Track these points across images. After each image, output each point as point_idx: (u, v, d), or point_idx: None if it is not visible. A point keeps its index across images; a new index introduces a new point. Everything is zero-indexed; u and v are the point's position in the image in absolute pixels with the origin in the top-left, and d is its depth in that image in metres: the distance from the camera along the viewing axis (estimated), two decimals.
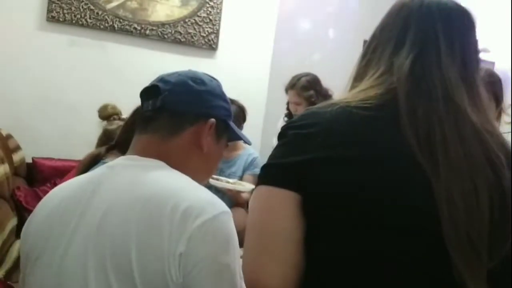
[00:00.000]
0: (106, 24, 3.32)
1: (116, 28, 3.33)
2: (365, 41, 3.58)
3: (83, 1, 3.25)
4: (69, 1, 3.23)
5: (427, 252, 0.63)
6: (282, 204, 0.69)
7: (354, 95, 0.76)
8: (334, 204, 0.67)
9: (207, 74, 1.00)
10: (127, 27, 3.35)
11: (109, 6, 3.32)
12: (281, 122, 2.92)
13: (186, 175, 0.87)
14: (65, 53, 3.27)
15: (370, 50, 0.83)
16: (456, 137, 0.67)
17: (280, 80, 2.87)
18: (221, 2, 3.49)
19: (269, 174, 0.73)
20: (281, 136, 0.76)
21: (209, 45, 3.49)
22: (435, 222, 0.63)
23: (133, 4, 3.37)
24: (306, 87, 2.70)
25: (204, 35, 3.47)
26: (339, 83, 3.87)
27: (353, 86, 0.83)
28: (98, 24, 3.30)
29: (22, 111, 3.19)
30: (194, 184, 0.85)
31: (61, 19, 3.22)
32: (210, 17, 3.48)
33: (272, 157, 0.75)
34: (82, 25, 3.27)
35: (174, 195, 0.78)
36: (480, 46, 1.57)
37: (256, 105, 2.92)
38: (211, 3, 3.47)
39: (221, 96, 0.98)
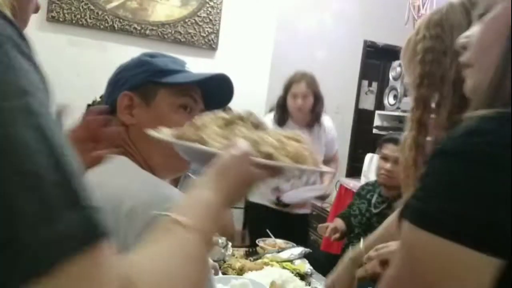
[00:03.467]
0: (106, 24, 3.32)
1: (116, 28, 3.33)
2: (365, 41, 3.62)
3: (83, 1, 3.25)
4: (69, 1, 3.23)
5: None
6: (479, 274, 0.50)
7: None
8: None
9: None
10: (127, 27, 3.35)
11: (109, 6, 3.32)
12: (269, 117, 2.65)
13: (149, 164, 0.83)
14: (65, 53, 3.27)
15: None
16: None
17: (280, 80, 2.87)
18: (221, 2, 3.49)
19: (459, 227, 0.50)
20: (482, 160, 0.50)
21: (209, 45, 3.49)
22: None
23: (133, 4, 3.37)
24: (314, 79, 2.62)
25: (204, 35, 3.47)
26: (339, 83, 3.92)
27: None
28: (98, 24, 3.30)
29: None
30: (141, 180, 0.78)
31: (61, 19, 3.22)
32: (210, 17, 3.48)
33: (459, 196, 0.51)
34: (82, 25, 3.27)
35: (119, 195, 0.71)
36: None
37: (256, 106, 2.92)
38: (211, 3, 3.47)
39: (140, 64, 0.90)
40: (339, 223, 2.24)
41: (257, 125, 0.73)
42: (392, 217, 1.27)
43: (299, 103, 2.52)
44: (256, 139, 0.66)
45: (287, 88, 2.61)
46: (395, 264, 0.58)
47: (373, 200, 2.23)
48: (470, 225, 0.50)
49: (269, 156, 0.65)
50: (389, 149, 2.14)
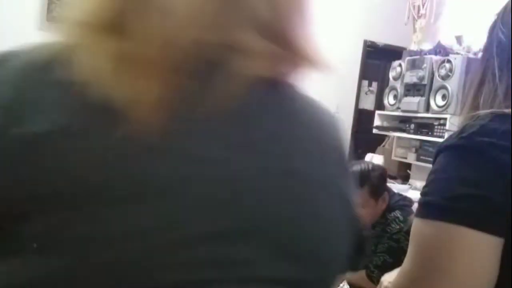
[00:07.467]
0: None
1: None
2: (365, 41, 3.63)
3: None
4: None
5: None
6: (492, 254, 0.55)
7: None
8: None
9: None
10: None
11: None
12: None
13: None
14: None
15: None
16: None
17: None
18: None
19: (472, 213, 0.55)
20: (472, 149, 0.57)
21: None
22: None
23: None
24: None
25: None
26: (339, 83, 3.92)
27: None
28: None
29: None
30: None
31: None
32: None
33: (467, 182, 0.55)
34: None
35: None
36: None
37: None
38: None
39: None
40: None
41: None
42: None
43: None
44: None
45: None
46: (405, 260, 0.62)
47: None
48: (468, 208, 0.54)
49: None
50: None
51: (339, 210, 0.44)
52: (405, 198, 2.10)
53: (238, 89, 0.38)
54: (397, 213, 1.96)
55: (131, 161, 0.36)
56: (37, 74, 0.39)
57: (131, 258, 0.35)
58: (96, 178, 0.35)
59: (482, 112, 0.61)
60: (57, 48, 0.39)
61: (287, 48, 0.42)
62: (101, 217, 0.35)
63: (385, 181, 2.06)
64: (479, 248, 0.55)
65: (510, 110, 0.59)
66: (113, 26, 0.38)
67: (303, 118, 0.44)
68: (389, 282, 1.20)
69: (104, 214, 0.35)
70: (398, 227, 1.91)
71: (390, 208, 1.98)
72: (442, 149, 0.61)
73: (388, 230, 1.93)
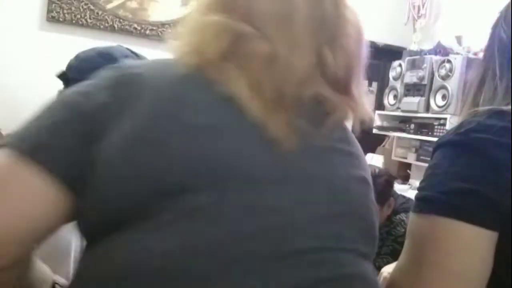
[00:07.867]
0: (106, 24, 3.31)
1: (116, 28, 3.33)
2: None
3: (83, 1, 3.25)
4: (69, 1, 3.23)
5: None
6: (485, 248, 0.56)
7: None
8: None
9: (128, 49, 1.05)
10: (127, 27, 3.35)
11: (109, 6, 3.32)
12: None
13: None
14: (65, 53, 3.26)
15: None
16: None
17: None
18: None
19: (467, 207, 0.55)
20: (468, 145, 0.58)
21: None
22: None
23: (133, 4, 3.37)
24: None
25: None
26: None
27: None
28: (98, 24, 3.30)
29: (21, 111, 3.18)
30: None
31: (61, 19, 3.22)
32: None
33: (466, 177, 0.56)
34: (82, 25, 3.27)
35: None
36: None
37: None
38: None
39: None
40: None
41: None
42: None
43: None
44: None
45: None
46: (401, 254, 0.64)
47: None
48: (463, 203, 0.55)
49: None
50: None
51: (374, 207, 0.62)
52: (409, 200, 2.08)
53: (330, 124, 0.57)
54: (403, 216, 1.94)
55: (277, 158, 0.51)
56: (183, 83, 0.53)
57: (278, 227, 0.49)
58: (249, 165, 0.50)
59: (480, 109, 0.62)
60: (189, 67, 0.54)
61: (349, 96, 0.61)
62: (250, 195, 0.49)
63: (391, 187, 2.02)
64: (472, 242, 0.56)
65: (509, 107, 0.59)
66: (224, 58, 0.53)
67: (356, 143, 0.64)
68: (388, 273, 1.21)
69: (255, 192, 0.49)
70: (403, 230, 1.88)
71: (395, 211, 1.95)
72: (439, 145, 0.62)
73: (393, 233, 1.91)
